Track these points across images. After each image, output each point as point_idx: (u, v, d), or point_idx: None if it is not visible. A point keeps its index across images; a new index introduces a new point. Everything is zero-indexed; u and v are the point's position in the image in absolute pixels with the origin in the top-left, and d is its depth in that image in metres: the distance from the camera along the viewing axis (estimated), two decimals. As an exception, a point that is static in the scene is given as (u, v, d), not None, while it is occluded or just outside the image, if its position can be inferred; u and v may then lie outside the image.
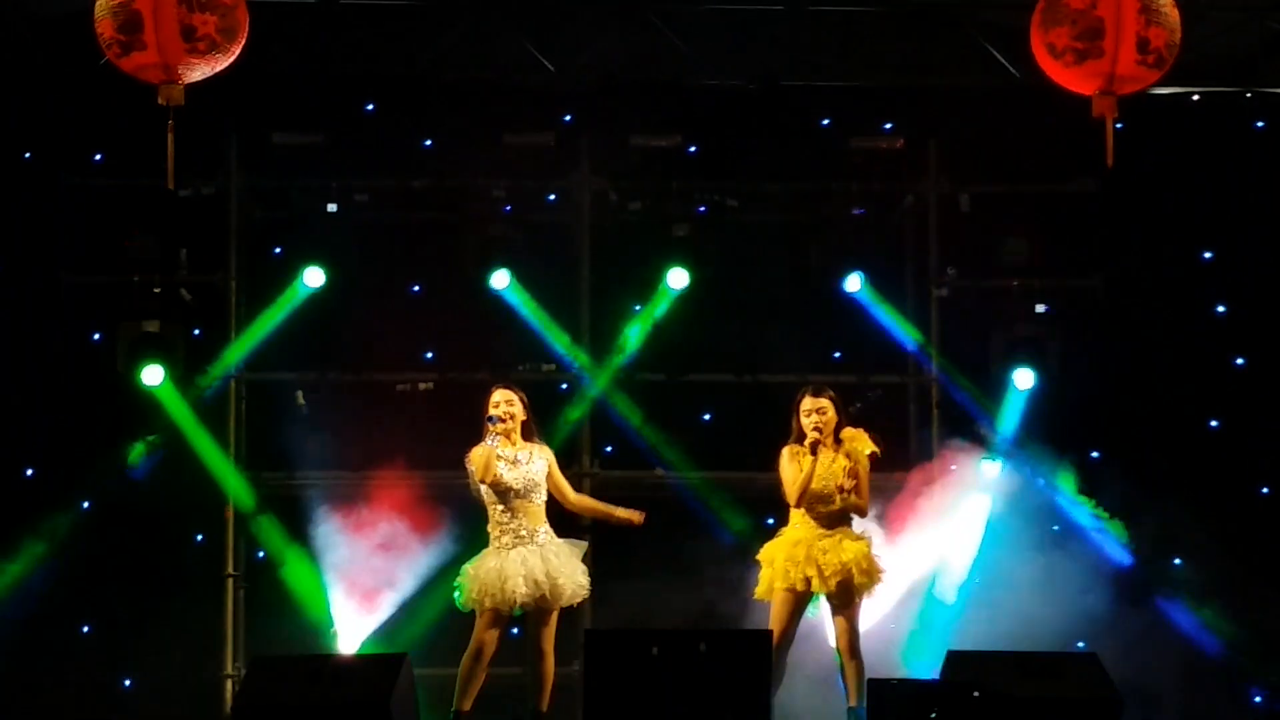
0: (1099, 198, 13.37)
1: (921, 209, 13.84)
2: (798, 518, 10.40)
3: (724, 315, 13.53)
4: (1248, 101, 13.18)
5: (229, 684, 13.18)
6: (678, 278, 13.44)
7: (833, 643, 10.50)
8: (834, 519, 10.36)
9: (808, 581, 10.24)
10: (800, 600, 10.33)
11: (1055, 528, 13.20)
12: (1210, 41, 12.16)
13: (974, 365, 13.57)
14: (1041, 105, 11.10)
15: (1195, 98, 13.12)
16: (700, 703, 9.27)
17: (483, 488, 10.36)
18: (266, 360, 13.53)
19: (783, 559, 10.33)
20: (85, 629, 13.13)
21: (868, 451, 10.42)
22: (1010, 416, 13.40)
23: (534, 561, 10.27)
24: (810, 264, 13.74)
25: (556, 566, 10.29)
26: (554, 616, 10.37)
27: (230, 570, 13.37)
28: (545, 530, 10.42)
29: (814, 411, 10.40)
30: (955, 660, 9.79)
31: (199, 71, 8.90)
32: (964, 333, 13.66)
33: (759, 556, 10.51)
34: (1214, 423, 13.55)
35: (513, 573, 10.23)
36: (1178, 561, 13.25)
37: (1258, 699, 13.01)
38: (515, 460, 10.37)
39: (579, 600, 10.46)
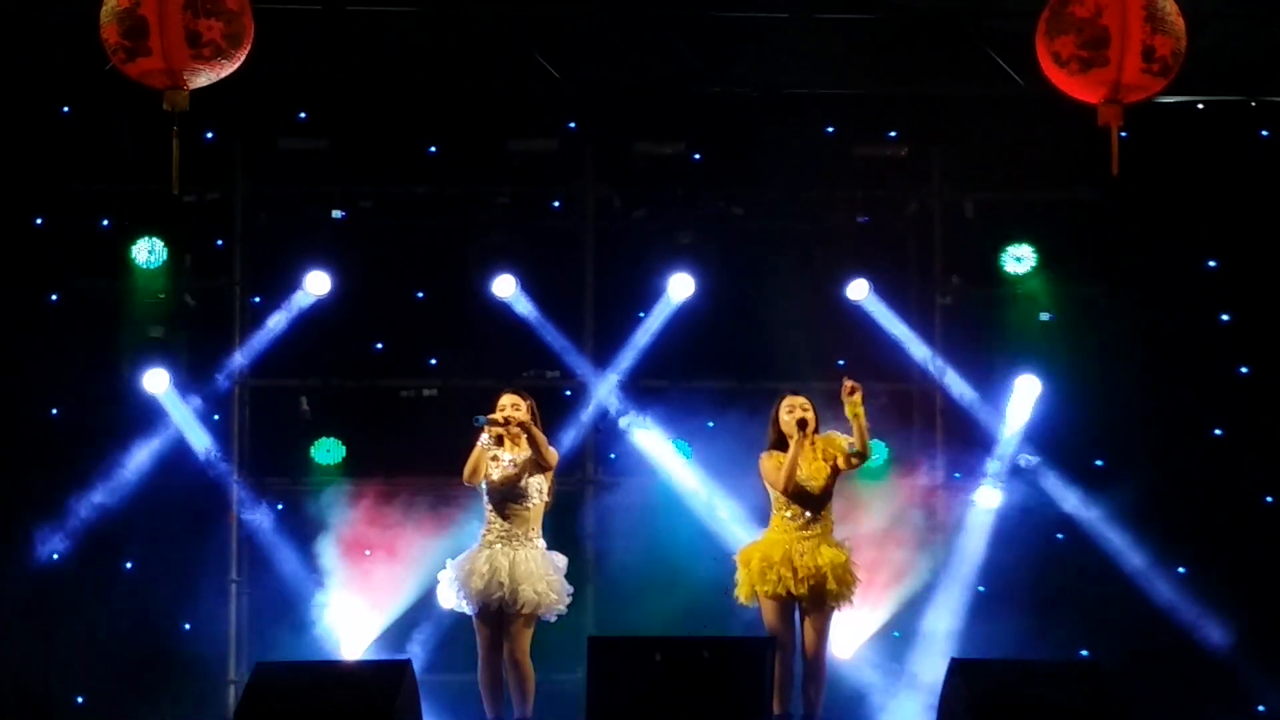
0: (1104, 206, 13.36)
1: (926, 216, 13.84)
2: (778, 520, 10.38)
3: (728, 322, 13.53)
4: (1253, 110, 13.18)
5: (232, 690, 13.16)
6: (682, 285, 13.43)
7: (800, 648, 10.41)
8: (813, 522, 10.32)
9: (782, 581, 10.21)
10: (787, 604, 10.29)
11: (1060, 536, 13.24)
12: (1216, 50, 12.15)
13: (978, 373, 13.57)
14: (1046, 113, 11.09)
15: (1200, 106, 13.11)
16: (703, 710, 9.27)
17: (483, 486, 10.33)
18: (270, 366, 13.52)
19: (758, 559, 10.31)
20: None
21: (845, 444, 10.41)
22: (1014, 425, 13.40)
23: (502, 562, 10.21)
24: (815, 271, 13.73)
25: (524, 572, 10.19)
26: (520, 626, 10.22)
27: (234, 576, 13.36)
28: (530, 537, 10.33)
29: (797, 407, 10.42)
30: (958, 668, 9.79)
31: (204, 77, 8.89)
32: (968, 340, 13.66)
33: (736, 558, 10.52)
34: (1218, 431, 13.52)
35: (479, 570, 10.20)
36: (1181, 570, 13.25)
37: (1261, 708, 12.99)
38: (510, 463, 10.31)
39: (543, 612, 10.32)
